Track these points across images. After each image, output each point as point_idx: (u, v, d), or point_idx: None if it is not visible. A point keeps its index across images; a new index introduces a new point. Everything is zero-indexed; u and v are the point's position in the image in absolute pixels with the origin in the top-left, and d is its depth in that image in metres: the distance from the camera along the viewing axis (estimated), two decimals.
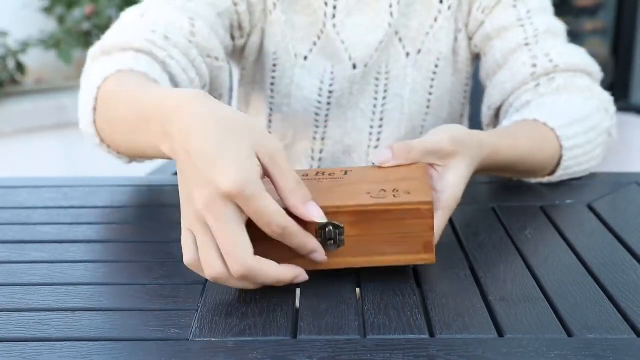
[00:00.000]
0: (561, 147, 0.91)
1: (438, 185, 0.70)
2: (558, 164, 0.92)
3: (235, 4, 1.01)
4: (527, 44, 1.03)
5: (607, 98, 1.00)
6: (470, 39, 1.09)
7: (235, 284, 0.61)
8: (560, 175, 0.93)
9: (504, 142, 0.82)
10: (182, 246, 0.62)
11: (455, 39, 1.08)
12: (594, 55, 1.06)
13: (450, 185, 0.70)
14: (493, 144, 0.79)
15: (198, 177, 0.58)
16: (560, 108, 0.94)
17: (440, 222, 0.68)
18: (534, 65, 1.00)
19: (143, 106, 0.69)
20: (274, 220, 0.59)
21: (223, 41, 1.00)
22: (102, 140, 0.86)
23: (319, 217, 0.61)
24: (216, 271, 0.60)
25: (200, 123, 0.60)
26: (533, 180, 0.93)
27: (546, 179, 0.93)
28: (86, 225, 0.81)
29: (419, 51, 1.07)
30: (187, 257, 0.62)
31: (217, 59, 0.98)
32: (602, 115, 0.97)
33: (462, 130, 0.74)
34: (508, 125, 0.91)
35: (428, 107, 1.11)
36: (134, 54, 0.87)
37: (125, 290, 0.66)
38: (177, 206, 0.64)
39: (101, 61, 0.88)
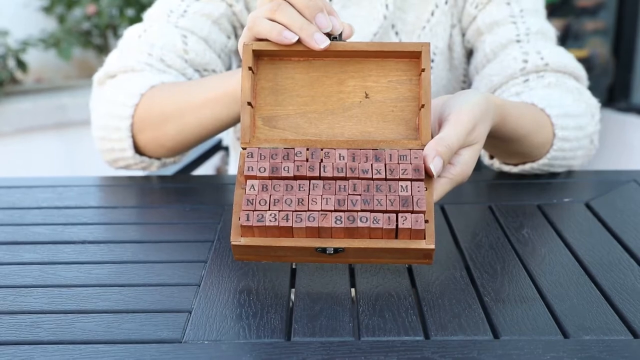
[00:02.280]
0: (554, 135, 0.91)
1: (453, 158, 0.70)
2: (546, 151, 0.92)
3: (231, 5, 1.03)
4: (518, 41, 1.02)
5: (594, 103, 0.99)
6: (463, 34, 1.09)
7: (309, 28, 0.68)
8: (542, 163, 0.93)
9: (512, 113, 0.81)
10: (262, 25, 0.69)
11: (450, 35, 1.08)
12: (594, 55, 1.06)
13: (463, 162, 0.69)
14: (504, 114, 0.78)
15: None
16: (555, 100, 0.93)
17: (442, 189, 0.67)
18: (525, 61, 1.00)
19: (210, 80, 0.86)
20: None
21: (223, 49, 1.03)
22: (135, 149, 0.94)
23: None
24: (298, 22, 0.68)
25: None
26: (509, 168, 0.95)
27: (528, 166, 0.93)
28: (80, 225, 0.81)
29: None
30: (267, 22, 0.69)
31: (214, 71, 1.02)
32: (589, 119, 0.96)
33: (482, 106, 0.72)
34: (511, 102, 0.90)
35: None
36: (139, 74, 0.94)
37: (119, 292, 0.66)
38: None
39: (118, 81, 0.95)
